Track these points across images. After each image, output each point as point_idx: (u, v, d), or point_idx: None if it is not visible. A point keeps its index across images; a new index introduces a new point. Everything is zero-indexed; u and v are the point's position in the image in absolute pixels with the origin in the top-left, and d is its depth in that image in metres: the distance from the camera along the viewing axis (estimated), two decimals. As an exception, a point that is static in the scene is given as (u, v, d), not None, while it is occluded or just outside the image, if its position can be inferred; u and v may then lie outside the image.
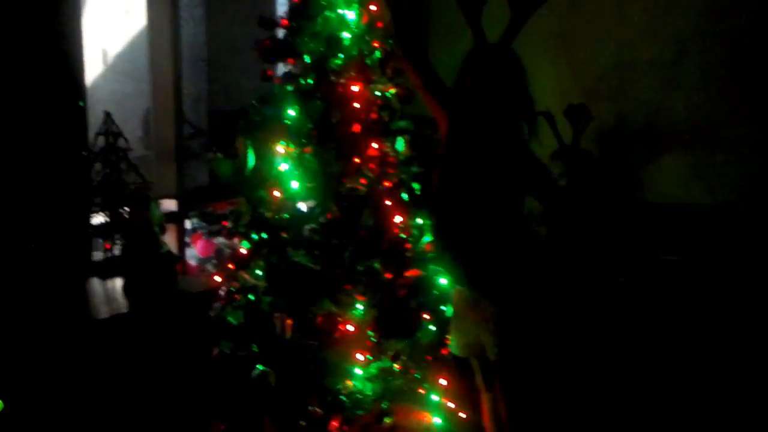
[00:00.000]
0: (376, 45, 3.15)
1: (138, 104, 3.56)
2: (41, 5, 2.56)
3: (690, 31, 3.53)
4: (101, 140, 2.68)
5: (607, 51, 3.75)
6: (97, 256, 2.76)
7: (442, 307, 3.24)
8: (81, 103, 2.59)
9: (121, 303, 2.49)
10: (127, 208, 2.54)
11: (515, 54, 2.32)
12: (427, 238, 3.22)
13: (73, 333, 2.31)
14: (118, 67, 5.26)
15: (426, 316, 3.17)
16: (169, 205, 3.30)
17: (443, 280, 3.23)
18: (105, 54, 5.60)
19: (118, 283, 2.59)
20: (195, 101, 4.18)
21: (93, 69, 5.53)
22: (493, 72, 2.26)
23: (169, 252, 2.51)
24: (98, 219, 2.75)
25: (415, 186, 3.22)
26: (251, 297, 3.02)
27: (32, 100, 2.47)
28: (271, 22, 3.14)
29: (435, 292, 3.21)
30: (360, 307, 3.04)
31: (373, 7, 3.12)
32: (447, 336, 3.21)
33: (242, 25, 3.78)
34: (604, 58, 3.76)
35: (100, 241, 2.76)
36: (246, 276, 3.04)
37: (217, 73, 4.11)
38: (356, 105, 3.05)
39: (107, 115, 2.60)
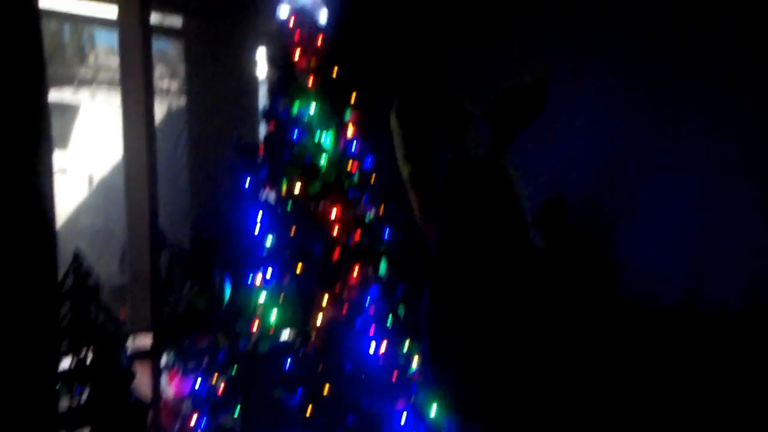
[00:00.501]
0: (354, 167, 3.13)
1: (122, 229, 3.49)
2: (14, 146, 2.51)
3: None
4: (69, 282, 2.57)
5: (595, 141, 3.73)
6: (64, 404, 2.60)
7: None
8: (48, 241, 2.49)
9: (87, 457, 2.30)
10: (93, 355, 2.40)
11: (502, 167, 2.22)
12: (414, 369, 3.08)
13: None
14: (103, 192, 5.23)
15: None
16: (145, 340, 3.16)
17: (434, 409, 3.07)
18: (91, 179, 5.59)
19: (83, 435, 2.41)
20: (177, 226, 4.11)
21: (78, 194, 5.50)
22: (479, 189, 2.17)
23: (138, 401, 2.34)
24: (66, 363, 2.60)
25: (400, 310, 3.12)
26: (229, 441, 2.84)
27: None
28: (249, 147, 3.12)
29: (426, 423, 3.04)
30: (345, 447, 2.86)
31: (349, 132, 3.11)
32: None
33: (223, 150, 3.77)
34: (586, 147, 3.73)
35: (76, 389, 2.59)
36: (222, 419, 2.87)
37: (197, 199, 4.07)
38: (335, 230, 2.99)
39: (76, 254, 2.50)
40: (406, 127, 2.33)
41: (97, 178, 5.24)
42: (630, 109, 3.69)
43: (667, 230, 3.59)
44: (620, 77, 3.73)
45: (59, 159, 5.38)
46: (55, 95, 5.77)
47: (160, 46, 4.52)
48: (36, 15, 2.67)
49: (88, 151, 5.36)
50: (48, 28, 7.06)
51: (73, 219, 4.92)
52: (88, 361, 2.45)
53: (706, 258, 3.50)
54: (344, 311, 2.95)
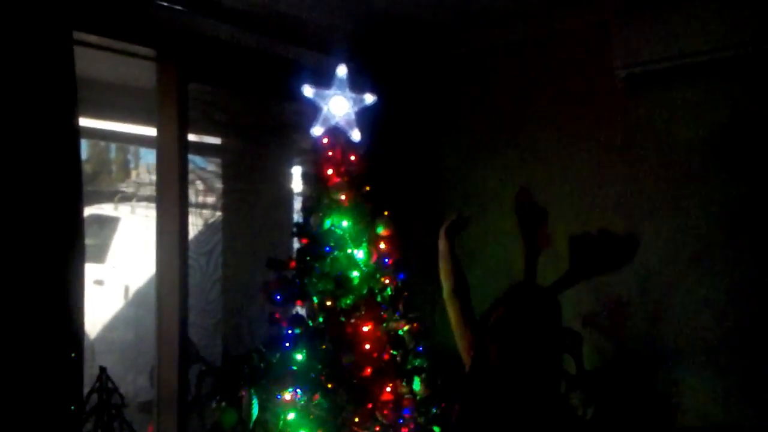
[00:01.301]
0: (386, 281, 3.10)
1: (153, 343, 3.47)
2: (48, 259, 2.56)
3: (709, 247, 3.45)
4: (95, 398, 2.53)
5: (626, 272, 3.65)
6: None
7: None
8: (73, 355, 2.48)
9: None
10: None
11: (557, 301, 2.23)
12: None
13: None
14: (138, 304, 5.27)
15: None
16: (170, 460, 3.07)
17: None
18: (127, 291, 5.65)
19: None
20: (208, 341, 4.08)
21: (114, 305, 5.55)
22: (534, 313, 2.15)
23: None
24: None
25: (436, 430, 2.99)
26: None
27: (22, 351, 2.37)
28: (280, 263, 3.12)
29: None
30: None
31: (382, 245, 3.11)
32: None
33: (255, 267, 3.79)
34: (622, 279, 3.65)
35: None
36: None
37: (229, 316, 4.06)
38: (368, 346, 2.92)
39: (102, 370, 2.47)
40: (452, 244, 2.41)
41: (132, 290, 5.30)
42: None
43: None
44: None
45: (97, 271, 5.50)
46: (97, 209, 5.98)
47: (197, 163, 4.66)
48: (75, 132, 2.79)
49: (126, 263, 5.47)
50: (95, 146, 7.42)
51: (108, 329, 4.96)
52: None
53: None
54: (377, 431, 2.83)
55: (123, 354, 4.36)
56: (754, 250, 3.37)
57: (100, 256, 5.60)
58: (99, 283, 5.45)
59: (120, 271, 5.50)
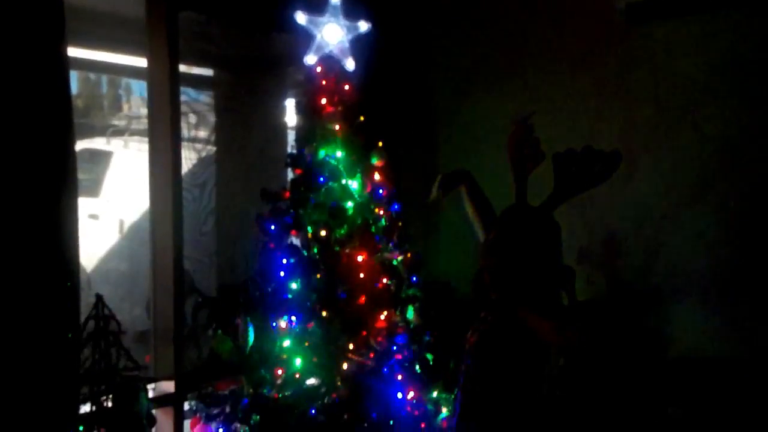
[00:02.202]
0: (381, 212, 3.11)
1: (148, 275, 3.49)
2: (40, 192, 2.54)
3: (705, 182, 3.45)
4: (92, 325, 2.56)
5: (621, 206, 3.66)
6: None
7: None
8: (69, 284, 2.49)
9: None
10: (112, 399, 2.36)
11: (553, 219, 2.23)
12: (444, 414, 2.99)
13: None
14: (133, 237, 5.28)
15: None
16: (168, 386, 3.12)
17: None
18: (122, 224, 5.65)
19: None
20: (203, 271, 4.11)
21: (109, 239, 5.56)
22: (528, 233, 2.17)
23: (158, 448, 2.29)
24: (85, 408, 2.57)
25: (428, 357, 3.05)
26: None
27: (17, 284, 2.38)
28: (274, 194, 3.12)
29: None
30: (372, 498, 2.77)
31: (376, 176, 3.10)
32: None
33: (250, 198, 3.78)
34: (618, 214, 3.66)
35: None
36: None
37: (223, 246, 4.08)
38: (362, 275, 2.95)
39: (99, 298, 2.49)
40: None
41: (127, 224, 5.31)
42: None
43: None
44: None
45: (92, 205, 5.49)
46: (89, 144, 5.92)
47: (190, 95, 4.60)
48: (64, 62, 2.73)
49: (120, 197, 5.46)
50: (87, 79, 7.29)
51: (104, 263, 4.98)
52: (109, 405, 2.42)
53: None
54: (371, 358, 2.89)
55: (119, 284, 4.39)
56: (748, 186, 3.38)
57: (94, 190, 5.58)
58: (94, 217, 5.45)
59: (114, 205, 5.50)
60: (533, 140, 2.30)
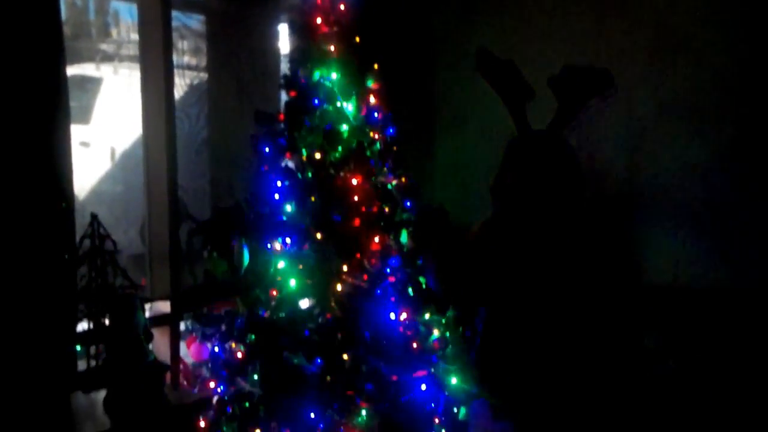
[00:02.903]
0: (376, 136, 3.08)
1: (142, 199, 3.48)
2: (32, 116, 2.52)
3: (702, 112, 3.43)
4: (87, 243, 2.56)
5: (616, 132, 3.65)
6: (82, 366, 2.59)
7: (454, 410, 3.03)
8: (64, 205, 2.49)
9: (105, 419, 2.30)
10: (109, 315, 2.39)
11: (564, 140, 2.15)
12: (435, 336, 3.04)
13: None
14: (125, 164, 5.25)
15: (436, 420, 2.95)
16: (164, 306, 3.15)
17: (454, 380, 3.03)
18: (113, 152, 5.61)
19: (102, 396, 2.40)
20: (197, 197, 4.10)
21: (100, 167, 5.53)
22: (541, 161, 2.07)
23: (156, 361, 2.33)
24: (83, 326, 2.60)
25: (421, 280, 3.08)
26: (246, 405, 2.82)
27: (11, 207, 2.38)
28: (269, 116, 3.08)
29: (445, 393, 3.01)
30: (364, 413, 2.83)
31: (372, 99, 3.06)
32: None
33: (243, 122, 3.74)
34: (612, 141, 3.65)
35: (93, 350, 2.59)
36: (241, 382, 2.85)
37: (218, 171, 4.06)
38: (356, 198, 2.94)
39: (93, 217, 2.49)
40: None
41: (119, 151, 5.27)
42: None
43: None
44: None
45: (82, 132, 5.43)
46: (78, 70, 5.81)
47: (180, 20, 4.49)
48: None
49: (111, 124, 5.40)
50: (74, 4, 7.10)
51: (96, 191, 4.97)
52: (106, 322, 2.45)
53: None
54: (364, 280, 2.91)
55: (113, 206, 4.38)
56: (745, 117, 3.36)
57: (84, 117, 5.51)
58: (85, 144, 5.40)
59: (105, 132, 5.44)
60: (518, 76, 2.24)
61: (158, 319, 3.08)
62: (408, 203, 3.12)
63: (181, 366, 3.15)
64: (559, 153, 2.08)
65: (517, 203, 2.07)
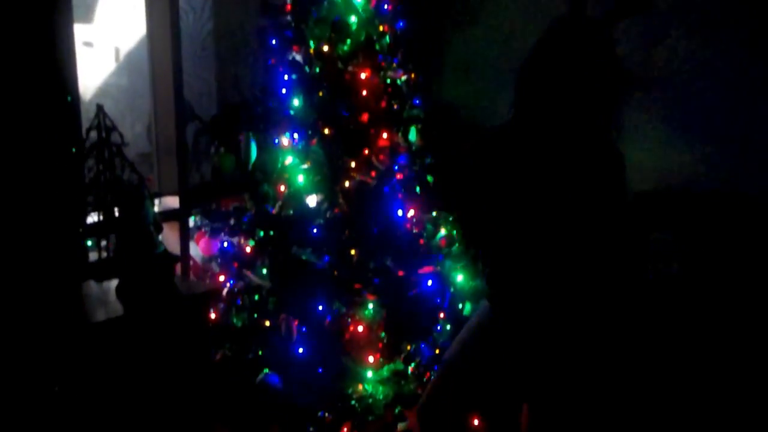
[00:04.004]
0: (385, 29, 3.00)
1: (148, 100, 3.44)
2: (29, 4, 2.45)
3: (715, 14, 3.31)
4: (94, 136, 2.54)
5: (635, 32, 3.53)
6: (93, 257, 2.63)
7: (459, 305, 3.08)
8: (69, 99, 2.46)
9: (117, 306, 2.35)
10: (119, 207, 2.40)
11: (611, 40, 1.98)
12: (442, 234, 3.06)
13: (68, 336, 2.18)
14: (129, 64, 5.16)
15: (441, 314, 3.01)
16: (173, 202, 3.16)
17: (460, 277, 3.07)
18: (117, 52, 5.50)
19: (114, 285, 2.45)
20: (203, 96, 4.04)
21: (105, 67, 5.43)
22: (585, 53, 1.89)
23: (166, 252, 2.36)
24: (93, 218, 2.62)
25: (429, 178, 3.07)
26: (256, 297, 2.88)
27: (12, 97, 2.36)
28: (275, 8, 3.00)
29: (451, 289, 3.05)
30: (371, 306, 2.89)
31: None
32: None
33: (249, 14, 3.63)
34: (632, 38, 3.54)
35: (104, 242, 2.63)
36: (251, 275, 2.90)
37: (224, 66, 3.97)
38: (365, 93, 2.90)
39: (99, 108, 2.46)
40: None
41: (123, 51, 5.16)
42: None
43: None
44: None
45: (85, 32, 5.30)
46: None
47: None
48: None
49: (115, 23, 5.25)
50: None
51: (100, 88, 4.89)
52: (116, 214, 2.46)
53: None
54: (372, 177, 2.91)
55: (118, 100, 4.32)
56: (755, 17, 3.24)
57: (86, 16, 5.36)
58: (88, 44, 5.28)
59: (109, 31, 5.31)
60: None
61: (167, 215, 3.09)
62: (417, 100, 3.09)
63: (191, 262, 3.20)
64: (607, 51, 1.91)
65: (546, 98, 1.90)
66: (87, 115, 2.80)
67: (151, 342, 2.31)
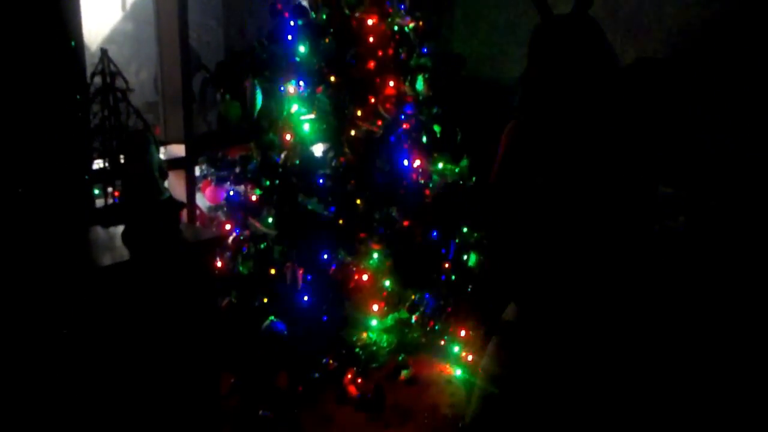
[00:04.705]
0: (393, -25, 2.94)
1: (154, 50, 3.40)
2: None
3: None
4: (98, 81, 2.52)
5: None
6: (100, 203, 2.64)
7: (463, 256, 3.09)
8: (72, 44, 2.43)
9: (123, 251, 2.36)
10: (123, 153, 2.39)
11: (590, 18, 1.95)
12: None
13: (75, 280, 2.20)
14: (136, 13, 5.09)
15: (446, 264, 3.02)
16: (179, 150, 3.15)
17: (464, 228, 3.07)
18: (124, 3, 5.42)
19: (120, 230, 2.46)
20: (210, 44, 4.00)
21: (112, 15, 5.36)
22: (568, 44, 1.88)
23: (171, 198, 2.36)
24: (98, 164, 2.61)
25: (436, 128, 3.04)
26: (262, 246, 2.88)
27: (15, 41, 2.33)
28: (281, -46, 2.93)
29: (456, 240, 3.05)
30: (376, 256, 2.90)
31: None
32: (468, 286, 3.06)
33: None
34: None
35: (110, 189, 2.62)
36: (257, 224, 2.90)
37: (230, 15, 3.92)
38: (371, 40, 2.86)
39: (104, 52, 2.44)
40: None
41: (129, 1, 5.11)
42: None
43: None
44: None
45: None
46: None
47: None
48: None
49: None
50: None
51: (107, 39, 4.85)
52: (121, 160, 2.45)
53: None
54: (378, 126, 2.88)
55: (123, 46, 4.27)
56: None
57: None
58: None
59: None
60: None
61: (173, 163, 3.08)
62: (425, 49, 3.04)
63: (198, 212, 3.20)
64: (587, 36, 1.89)
65: (546, 95, 1.89)
66: (93, 62, 2.78)
67: (157, 287, 2.33)
